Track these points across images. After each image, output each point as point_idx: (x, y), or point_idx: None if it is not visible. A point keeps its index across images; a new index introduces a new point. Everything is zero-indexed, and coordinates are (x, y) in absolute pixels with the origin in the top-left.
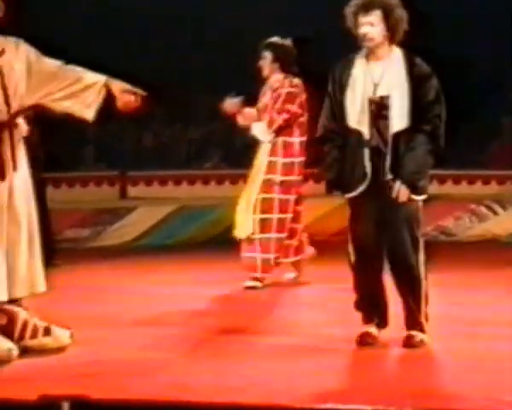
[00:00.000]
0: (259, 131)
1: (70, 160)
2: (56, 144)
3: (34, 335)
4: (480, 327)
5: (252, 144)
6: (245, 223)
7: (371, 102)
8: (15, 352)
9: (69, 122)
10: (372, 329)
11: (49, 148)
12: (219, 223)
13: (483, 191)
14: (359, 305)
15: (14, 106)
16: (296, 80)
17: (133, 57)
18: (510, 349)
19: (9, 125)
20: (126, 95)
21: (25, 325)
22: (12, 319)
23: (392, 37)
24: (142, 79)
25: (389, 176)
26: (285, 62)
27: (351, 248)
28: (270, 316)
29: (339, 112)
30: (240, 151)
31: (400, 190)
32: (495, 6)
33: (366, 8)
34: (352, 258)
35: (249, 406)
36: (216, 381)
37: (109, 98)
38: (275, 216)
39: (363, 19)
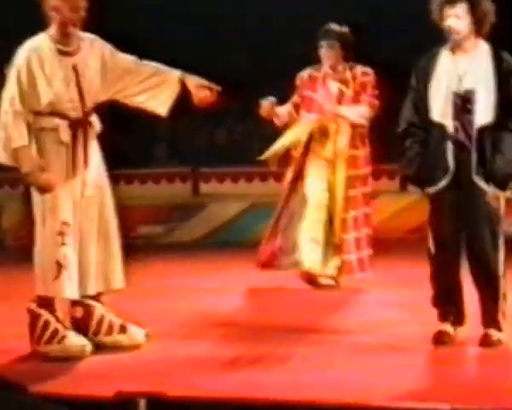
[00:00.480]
0: (356, 114)
1: (142, 156)
2: (129, 141)
3: (109, 331)
4: None
5: None
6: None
7: (456, 95)
8: (89, 348)
9: (142, 119)
10: (448, 327)
11: (121, 144)
12: None
13: None
14: (436, 301)
15: (89, 103)
16: (366, 69)
17: (205, 53)
18: None
19: (84, 122)
20: (202, 90)
21: (101, 320)
22: (88, 313)
23: (478, 29)
24: (216, 74)
25: (475, 173)
26: (350, 51)
27: (430, 242)
28: (346, 315)
29: (422, 105)
30: None
31: (491, 193)
32: None
33: (452, 1)
34: (432, 251)
35: (326, 403)
36: (290, 379)
37: (183, 94)
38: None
39: (448, 11)
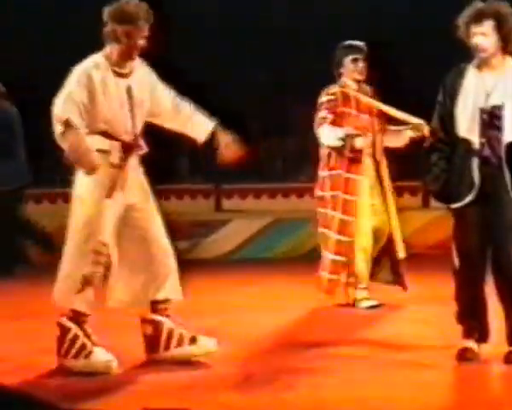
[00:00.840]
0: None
1: (166, 172)
2: (153, 157)
3: (180, 344)
4: None
5: None
6: None
7: (482, 111)
8: (114, 364)
9: (165, 135)
10: (472, 344)
11: (146, 160)
12: (314, 236)
13: None
14: (460, 317)
15: (138, 126)
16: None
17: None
18: None
19: (134, 145)
20: (230, 148)
21: (170, 334)
22: (158, 329)
23: (504, 47)
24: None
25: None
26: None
27: (455, 257)
28: (370, 330)
29: (448, 121)
30: None
31: None
32: None
33: (478, 18)
34: (456, 266)
35: None
36: (313, 395)
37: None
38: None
39: (475, 29)
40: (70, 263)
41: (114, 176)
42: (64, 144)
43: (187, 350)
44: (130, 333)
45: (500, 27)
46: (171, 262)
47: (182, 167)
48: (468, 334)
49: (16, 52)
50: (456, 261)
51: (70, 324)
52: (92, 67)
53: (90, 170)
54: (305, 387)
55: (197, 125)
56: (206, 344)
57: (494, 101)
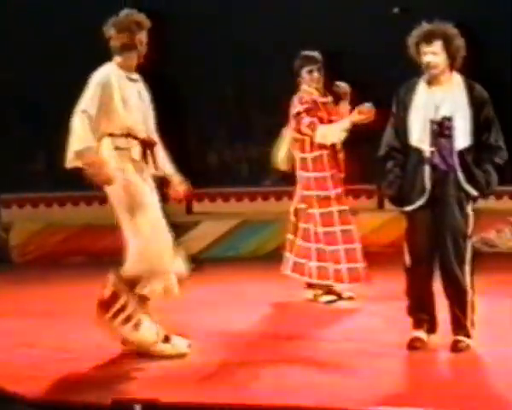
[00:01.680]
0: None
1: None
2: None
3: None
4: None
5: None
6: None
7: (432, 122)
8: (160, 337)
9: None
10: (421, 334)
11: None
12: (279, 236)
13: None
14: (410, 310)
15: (151, 125)
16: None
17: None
18: None
19: (150, 142)
20: (178, 189)
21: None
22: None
23: (452, 63)
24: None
25: (453, 190)
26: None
27: (406, 256)
28: (331, 323)
29: (402, 131)
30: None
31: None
32: None
33: (428, 39)
34: (407, 264)
35: (307, 407)
36: (278, 383)
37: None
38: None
39: (426, 48)
40: (149, 240)
41: (137, 170)
42: (80, 161)
43: (160, 348)
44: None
45: (448, 46)
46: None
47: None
48: (417, 325)
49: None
50: (407, 260)
51: (124, 291)
52: (111, 75)
53: (108, 182)
54: (272, 376)
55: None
56: (179, 345)
57: (443, 112)
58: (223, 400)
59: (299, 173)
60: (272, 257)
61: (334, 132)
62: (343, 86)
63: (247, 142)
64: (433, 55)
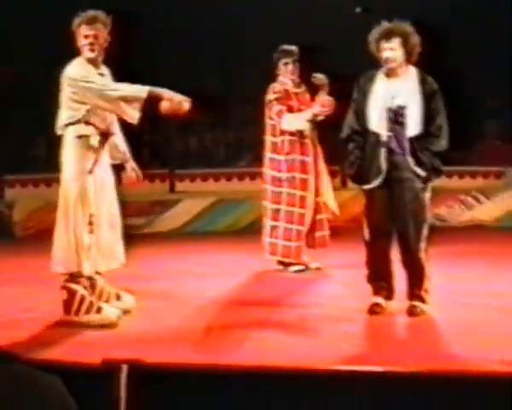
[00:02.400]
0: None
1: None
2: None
3: (108, 299)
4: (472, 298)
5: None
6: None
7: (389, 110)
8: (121, 315)
9: (129, 130)
10: (380, 300)
11: None
12: (252, 213)
13: (470, 184)
14: (370, 278)
15: (110, 117)
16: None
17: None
18: (497, 317)
19: (107, 132)
20: (175, 101)
21: (102, 290)
22: (93, 285)
23: (408, 58)
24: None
25: (408, 173)
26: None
27: (365, 231)
28: (300, 290)
29: (361, 116)
30: None
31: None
32: (479, 29)
33: (388, 36)
34: (367, 238)
35: (277, 367)
36: (250, 345)
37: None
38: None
39: (385, 45)
40: (73, 235)
41: (92, 156)
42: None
43: (115, 305)
44: None
45: (405, 43)
46: (119, 234)
47: (142, 156)
48: (377, 292)
49: None
50: (367, 234)
51: (76, 286)
52: (79, 69)
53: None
54: (247, 339)
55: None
56: (129, 301)
57: (398, 102)
58: (204, 361)
59: (270, 155)
60: (246, 231)
61: (297, 121)
62: (320, 78)
63: (226, 128)
64: (392, 50)
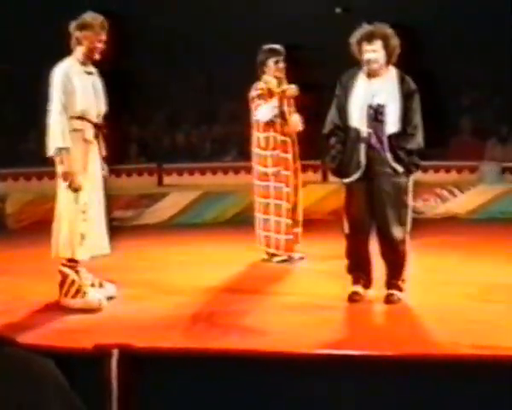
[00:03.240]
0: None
1: (118, 155)
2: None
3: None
4: (446, 286)
5: None
6: None
7: (369, 107)
8: (104, 302)
9: (118, 125)
10: (359, 289)
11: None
12: (237, 205)
13: (445, 178)
14: (350, 269)
15: (103, 112)
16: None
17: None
18: (469, 304)
19: (101, 126)
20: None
21: (86, 278)
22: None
23: (389, 59)
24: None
25: (387, 168)
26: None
27: (345, 223)
28: (283, 279)
29: (343, 112)
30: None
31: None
32: (453, 26)
33: (370, 39)
34: (346, 230)
35: (260, 351)
36: (236, 331)
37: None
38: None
39: (367, 47)
40: (69, 223)
41: (86, 149)
42: (58, 160)
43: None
44: None
45: (386, 45)
46: (106, 224)
47: (131, 151)
48: (356, 281)
49: None
50: (346, 227)
51: (68, 270)
52: (69, 68)
53: (77, 189)
54: (234, 326)
55: None
56: (110, 289)
57: (378, 100)
58: (188, 344)
59: (257, 151)
60: (231, 223)
61: (267, 110)
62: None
63: (212, 124)
64: (374, 52)
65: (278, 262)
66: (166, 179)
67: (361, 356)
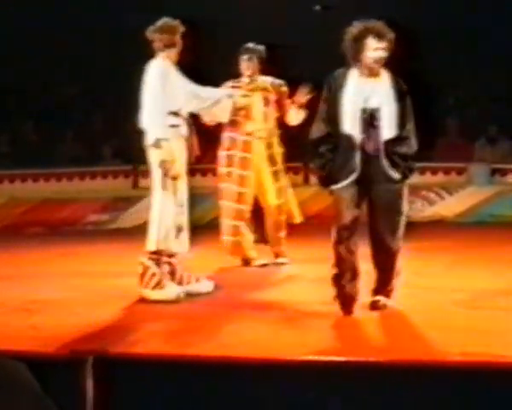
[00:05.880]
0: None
1: (92, 157)
2: (81, 144)
3: (189, 281)
4: (433, 292)
5: None
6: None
7: (363, 111)
8: (183, 295)
9: (91, 128)
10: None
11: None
12: (216, 208)
13: (432, 180)
14: (336, 279)
15: (188, 109)
16: (281, 81)
17: None
18: (458, 310)
19: (190, 122)
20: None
21: (182, 273)
22: (174, 267)
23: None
24: None
25: (383, 175)
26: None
27: (334, 233)
28: (261, 285)
29: (333, 118)
30: None
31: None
32: (437, 24)
33: (380, 36)
34: (335, 240)
35: (235, 358)
36: (221, 338)
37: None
38: None
39: (377, 44)
40: (165, 217)
41: (182, 144)
42: (157, 152)
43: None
44: None
45: (391, 45)
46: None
47: (106, 153)
48: (340, 292)
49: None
50: (334, 236)
51: (150, 263)
52: (166, 67)
53: (175, 177)
54: (218, 332)
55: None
56: (207, 285)
57: (373, 104)
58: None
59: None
60: (210, 226)
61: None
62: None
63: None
64: (383, 51)
65: (260, 266)
66: (142, 182)
67: (346, 363)
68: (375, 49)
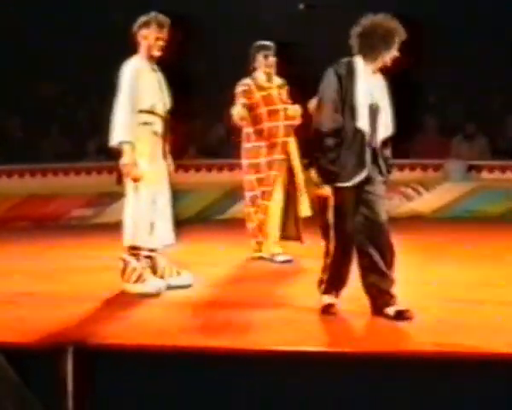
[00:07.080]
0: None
1: (77, 153)
2: (66, 140)
3: (170, 275)
4: (409, 285)
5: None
6: None
7: (371, 107)
8: (163, 288)
9: (76, 124)
10: (332, 299)
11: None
12: (198, 203)
13: (410, 176)
14: (328, 284)
15: (167, 107)
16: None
17: None
18: (432, 303)
19: (167, 119)
20: None
21: (164, 267)
22: (155, 261)
23: None
24: None
25: (379, 172)
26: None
27: (333, 238)
28: (256, 286)
29: (342, 112)
30: (213, 145)
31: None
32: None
33: (399, 34)
34: (334, 245)
35: (216, 348)
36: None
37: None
38: None
39: (398, 44)
40: (138, 214)
41: (155, 142)
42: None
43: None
44: None
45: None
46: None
47: (90, 149)
48: (328, 292)
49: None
50: (333, 241)
51: (130, 258)
52: (137, 65)
53: (135, 179)
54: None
55: None
56: (186, 278)
57: (376, 99)
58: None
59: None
60: (192, 221)
61: (236, 109)
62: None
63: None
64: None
65: (281, 262)
66: None
67: (319, 353)
68: (396, 48)
